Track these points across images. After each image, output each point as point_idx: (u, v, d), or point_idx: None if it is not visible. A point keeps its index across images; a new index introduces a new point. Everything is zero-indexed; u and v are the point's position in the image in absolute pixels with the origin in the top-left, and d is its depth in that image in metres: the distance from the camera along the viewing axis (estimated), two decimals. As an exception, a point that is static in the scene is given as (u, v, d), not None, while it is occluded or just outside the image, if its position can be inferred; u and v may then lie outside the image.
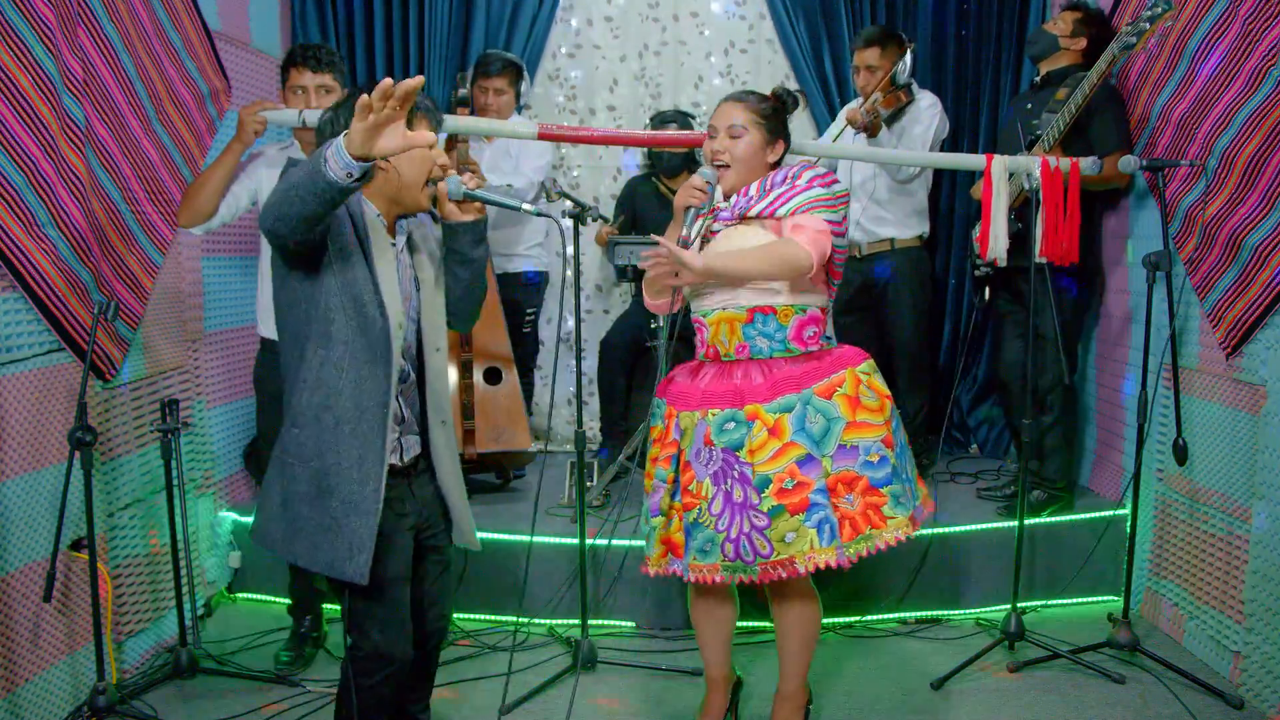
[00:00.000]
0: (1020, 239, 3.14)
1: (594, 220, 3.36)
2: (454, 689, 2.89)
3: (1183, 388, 3.08)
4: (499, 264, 3.87)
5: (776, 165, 2.40)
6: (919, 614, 3.34)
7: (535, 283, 4.09)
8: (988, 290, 3.58)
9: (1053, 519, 3.45)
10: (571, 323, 3.50)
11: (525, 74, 3.97)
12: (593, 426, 4.36)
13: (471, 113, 3.59)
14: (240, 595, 3.52)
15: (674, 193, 2.58)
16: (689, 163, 4.01)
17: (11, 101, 2.36)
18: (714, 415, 2.30)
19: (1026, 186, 2.96)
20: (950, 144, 3.87)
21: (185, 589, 2.90)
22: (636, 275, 4.04)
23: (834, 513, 2.22)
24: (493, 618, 3.32)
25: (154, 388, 3.05)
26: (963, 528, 3.39)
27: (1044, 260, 2.98)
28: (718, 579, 2.27)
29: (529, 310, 4.02)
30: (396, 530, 2.07)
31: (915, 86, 3.73)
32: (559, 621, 3.26)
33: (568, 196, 3.19)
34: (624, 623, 3.30)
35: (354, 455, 1.97)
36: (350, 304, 1.96)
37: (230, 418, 3.56)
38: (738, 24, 4.50)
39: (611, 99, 4.53)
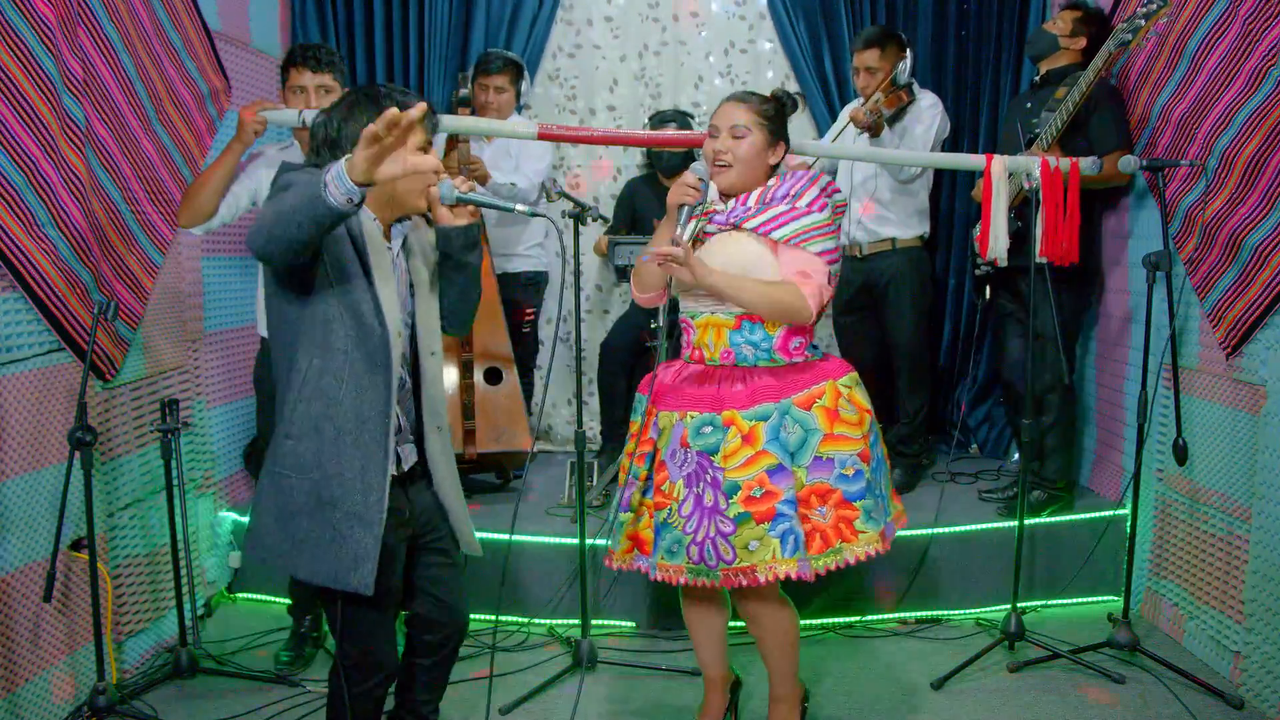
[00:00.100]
0: (1020, 239, 3.14)
1: (594, 220, 3.36)
2: (454, 689, 2.89)
3: (1183, 388, 3.08)
4: (499, 264, 3.87)
5: (775, 167, 2.39)
6: (919, 614, 3.34)
7: (535, 282, 4.09)
8: (988, 290, 3.58)
9: (1053, 519, 3.45)
10: (569, 322, 3.52)
11: (525, 73, 3.97)
12: (593, 427, 4.36)
13: (472, 112, 3.59)
14: (240, 595, 3.52)
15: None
16: (688, 162, 4.00)
17: (11, 101, 2.36)
18: (692, 418, 2.30)
19: (1026, 186, 2.96)
20: (950, 144, 3.87)
21: (185, 589, 2.90)
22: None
23: (800, 524, 2.22)
24: (493, 618, 3.32)
25: (154, 388, 3.05)
26: (963, 528, 3.39)
27: (1044, 260, 2.98)
28: (682, 580, 2.28)
29: (529, 310, 4.02)
30: (391, 541, 2.04)
31: (916, 86, 3.73)
32: (559, 621, 3.26)
33: (568, 196, 3.19)
34: (624, 623, 3.30)
35: (356, 465, 1.95)
36: (348, 313, 1.94)
37: (230, 418, 3.56)
38: (738, 24, 4.50)
39: (611, 99, 4.53)
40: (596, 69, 4.51)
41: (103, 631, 2.57)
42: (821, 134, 4.25)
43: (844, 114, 3.81)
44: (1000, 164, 2.96)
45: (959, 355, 4.41)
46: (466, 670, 2.99)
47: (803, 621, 3.25)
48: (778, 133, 2.37)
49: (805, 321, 2.28)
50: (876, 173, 3.74)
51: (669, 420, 2.34)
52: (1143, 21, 2.96)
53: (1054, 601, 3.38)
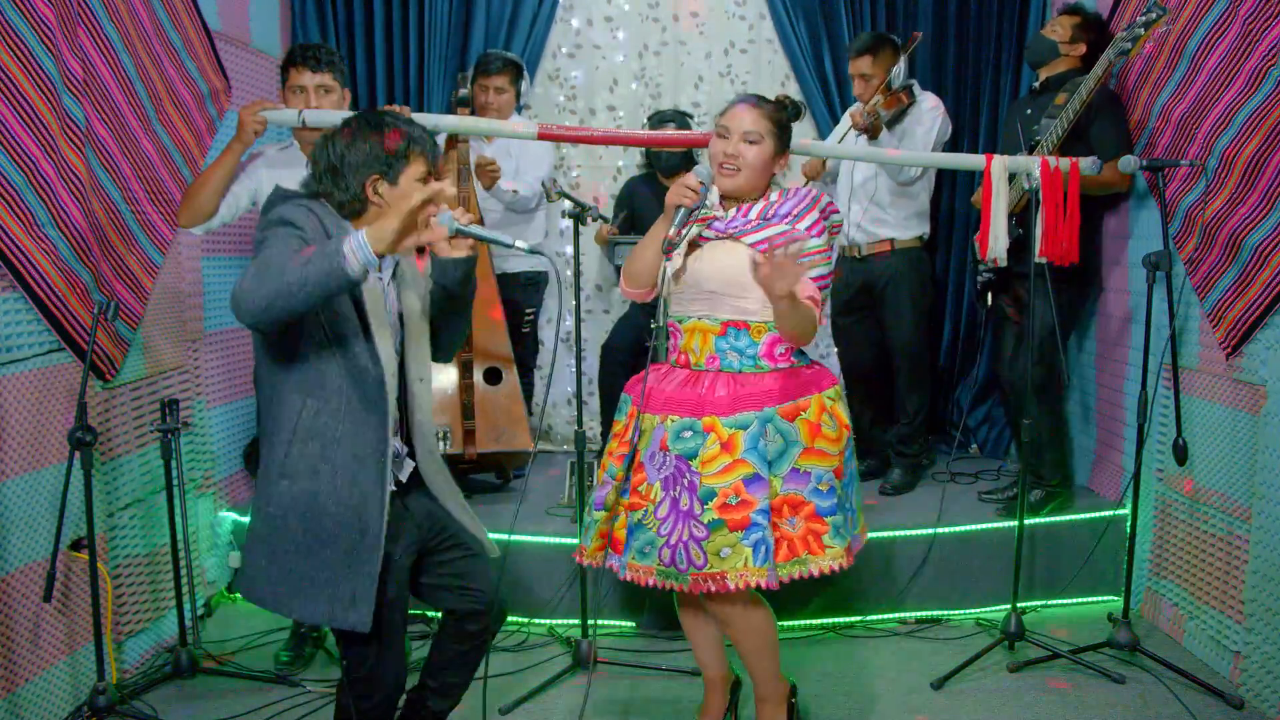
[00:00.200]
0: (1021, 244, 3.15)
1: (594, 220, 3.36)
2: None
3: (1183, 388, 3.08)
4: (498, 264, 3.87)
5: (773, 176, 2.40)
6: (919, 614, 3.34)
7: (535, 282, 4.08)
8: (990, 297, 3.58)
9: (1053, 519, 3.45)
10: (569, 322, 3.51)
11: (525, 73, 3.97)
12: (593, 427, 4.36)
13: (472, 113, 3.59)
14: (240, 595, 3.52)
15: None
16: (687, 162, 4.01)
17: (11, 101, 2.36)
18: (673, 421, 2.30)
19: (1026, 187, 2.96)
20: (950, 145, 3.87)
21: (185, 589, 2.90)
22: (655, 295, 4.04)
23: (772, 534, 2.23)
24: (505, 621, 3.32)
25: (154, 388, 3.05)
26: (963, 528, 3.39)
27: (1044, 260, 2.98)
28: (651, 581, 2.28)
29: (528, 310, 4.02)
30: (396, 555, 2.04)
31: (917, 88, 3.73)
32: (559, 621, 3.26)
33: (568, 196, 3.18)
34: (624, 623, 3.30)
35: (353, 506, 1.94)
36: (342, 356, 1.94)
37: (230, 418, 3.56)
38: (738, 24, 4.50)
39: (611, 99, 4.53)
40: (596, 69, 4.51)
41: (103, 631, 2.57)
42: (822, 135, 4.26)
43: (845, 118, 3.81)
44: (1000, 164, 2.97)
45: (959, 355, 4.41)
46: (466, 670, 3.00)
47: (802, 621, 3.27)
48: (785, 143, 2.37)
49: (809, 342, 2.31)
50: (876, 174, 3.74)
51: (650, 423, 2.34)
52: (1142, 31, 2.96)
53: (1054, 601, 3.38)
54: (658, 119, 4.06)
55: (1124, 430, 3.54)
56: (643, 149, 4.25)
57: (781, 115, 2.36)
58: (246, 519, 3.39)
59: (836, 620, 3.29)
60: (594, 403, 4.27)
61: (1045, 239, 2.94)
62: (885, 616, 3.33)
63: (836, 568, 2.26)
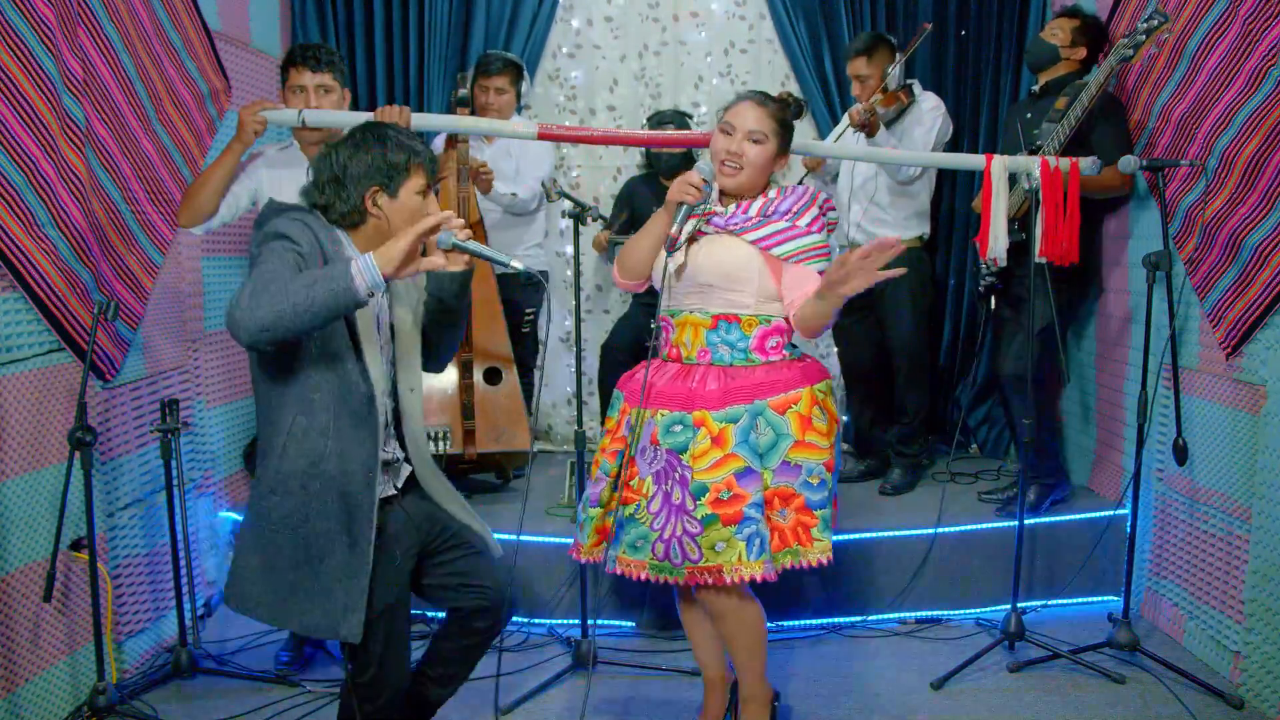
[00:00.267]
0: (1023, 247, 3.14)
1: (594, 220, 3.36)
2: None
3: (1183, 388, 3.08)
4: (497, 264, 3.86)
5: (771, 175, 2.41)
6: (919, 614, 3.34)
7: (535, 282, 4.08)
8: (993, 301, 3.58)
9: (1053, 519, 3.45)
10: (569, 322, 3.51)
11: (526, 74, 3.97)
12: (593, 427, 4.35)
13: (472, 113, 3.59)
14: (230, 605, 3.51)
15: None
16: (687, 162, 4.01)
17: (11, 101, 2.36)
18: (663, 416, 2.31)
19: (1026, 187, 2.96)
20: (950, 145, 3.87)
21: (185, 589, 2.90)
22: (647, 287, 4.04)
23: (766, 527, 2.23)
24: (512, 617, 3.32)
25: (154, 388, 3.05)
26: (963, 528, 3.39)
27: (1044, 260, 2.98)
28: (643, 576, 2.29)
29: (528, 310, 4.01)
30: (388, 561, 2.05)
31: (918, 88, 3.73)
32: (559, 621, 3.26)
33: (568, 196, 3.18)
34: (624, 623, 3.30)
35: (343, 520, 1.96)
36: (332, 374, 1.96)
37: (230, 418, 3.56)
38: (738, 24, 4.50)
39: (611, 99, 4.53)
40: (596, 69, 4.51)
41: (103, 631, 2.57)
42: (822, 135, 4.26)
43: (845, 118, 3.81)
44: (1000, 164, 2.97)
45: (959, 355, 4.41)
46: (466, 670, 3.00)
47: (802, 622, 3.27)
48: (788, 142, 2.37)
49: (817, 336, 2.32)
50: (876, 173, 3.74)
51: (641, 417, 2.34)
52: (1144, 37, 2.97)
53: (1054, 601, 3.38)
54: (658, 119, 4.06)
55: (1124, 430, 3.54)
56: (643, 149, 4.25)
57: (785, 114, 2.37)
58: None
59: (836, 620, 3.29)
60: (594, 403, 4.27)
61: (1045, 239, 2.94)
62: (885, 616, 3.33)
63: (824, 561, 2.26)
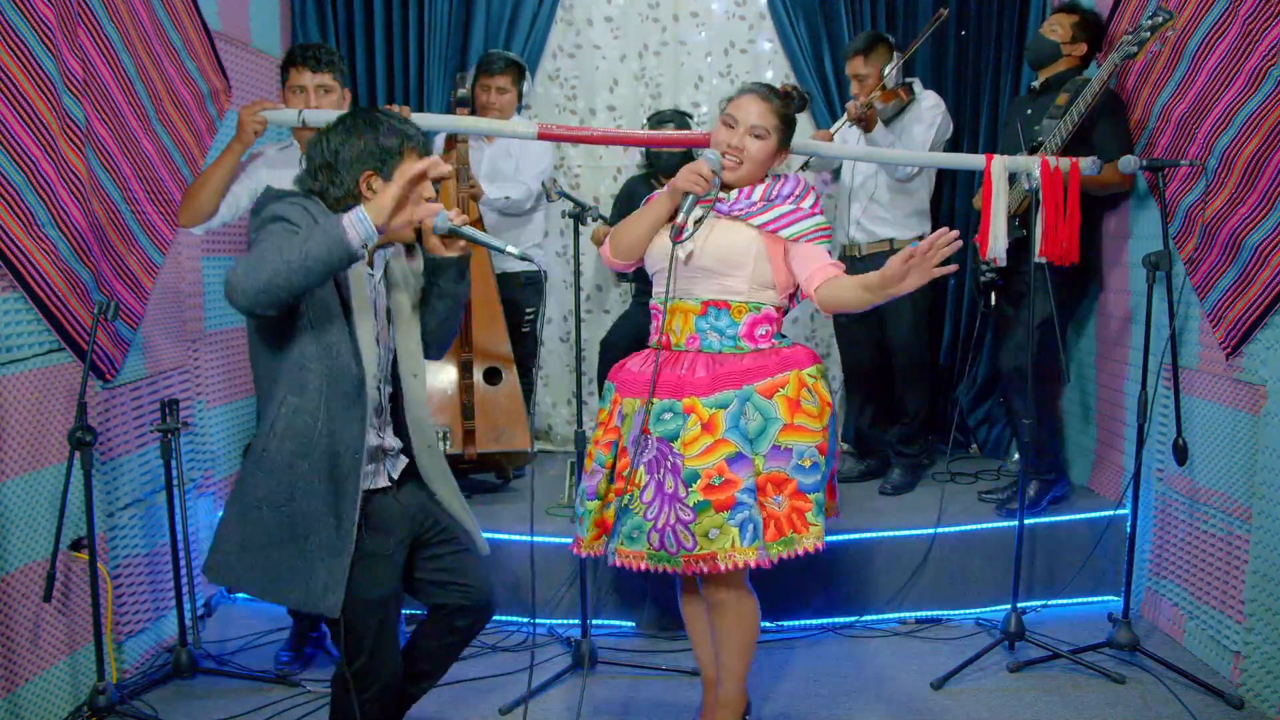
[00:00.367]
0: (1023, 243, 3.15)
1: (594, 220, 3.37)
2: (454, 689, 2.89)
3: (1183, 388, 3.08)
4: (498, 264, 3.87)
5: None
6: (919, 614, 3.34)
7: (534, 282, 4.08)
8: (993, 296, 3.58)
9: (1053, 519, 3.45)
10: (569, 322, 3.51)
11: (528, 74, 3.97)
12: (592, 426, 4.35)
13: (472, 112, 3.59)
14: (240, 595, 3.52)
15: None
16: (686, 162, 4.00)
17: (11, 101, 2.36)
18: (654, 403, 2.30)
19: (1027, 187, 2.96)
20: (950, 144, 3.87)
21: (185, 589, 2.90)
22: (637, 274, 4.03)
23: (759, 513, 2.22)
24: (493, 617, 3.31)
25: (154, 388, 3.05)
26: (963, 528, 3.39)
27: (1044, 260, 2.98)
28: (642, 566, 2.28)
29: (528, 310, 4.02)
30: (382, 550, 2.06)
31: (919, 86, 3.73)
32: (559, 621, 3.26)
33: (568, 196, 3.19)
34: (624, 623, 3.30)
35: (328, 500, 1.97)
36: (325, 354, 1.96)
37: (230, 418, 3.56)
38: (738, 24, 4.50)
39: (611, 99, 4.53)
40: (596, 69, 4.50)
41: (103, 631, 2.57)
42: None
43: (844, 114, 3.81)
44: (1000, 164, 2.96)
45: (959, 355, 4.40)
46: (466, 670, 3.00)
47: (802, 622, 3.27)
48: (789, 138, 2.38)
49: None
50: (875, 172, 3.74)
51: (632, 407, 2.35)
52: (1148, 34, 2.96)
53: (1054, 601, 3.38)
54: (657, 119, 4.06)
55: (1124, 430, 3.54)
56: (643, 149, 4.25)
57: (789, 110, 2.37)
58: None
59: (836, 620, 3.29)
60: (594, 402, 4.26)
61: (1045, 239, 2.94)
62: (885, 616, 3.33)
63: (821, 545, 2.25)
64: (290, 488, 1.96)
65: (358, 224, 1.74)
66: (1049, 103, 3.37)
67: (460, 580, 2.20)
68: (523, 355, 3.92)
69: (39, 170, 2.45)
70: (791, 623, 3.27)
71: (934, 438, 4.16)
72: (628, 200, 4.18)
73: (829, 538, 2.31)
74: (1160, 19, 2.94)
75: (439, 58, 4.24)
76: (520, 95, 3.93)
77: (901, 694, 2.87)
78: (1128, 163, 2.89)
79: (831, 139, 3.69)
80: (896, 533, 3.36)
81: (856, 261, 3.85)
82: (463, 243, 2.09)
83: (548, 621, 3.27)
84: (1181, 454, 2.99)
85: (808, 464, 2.25)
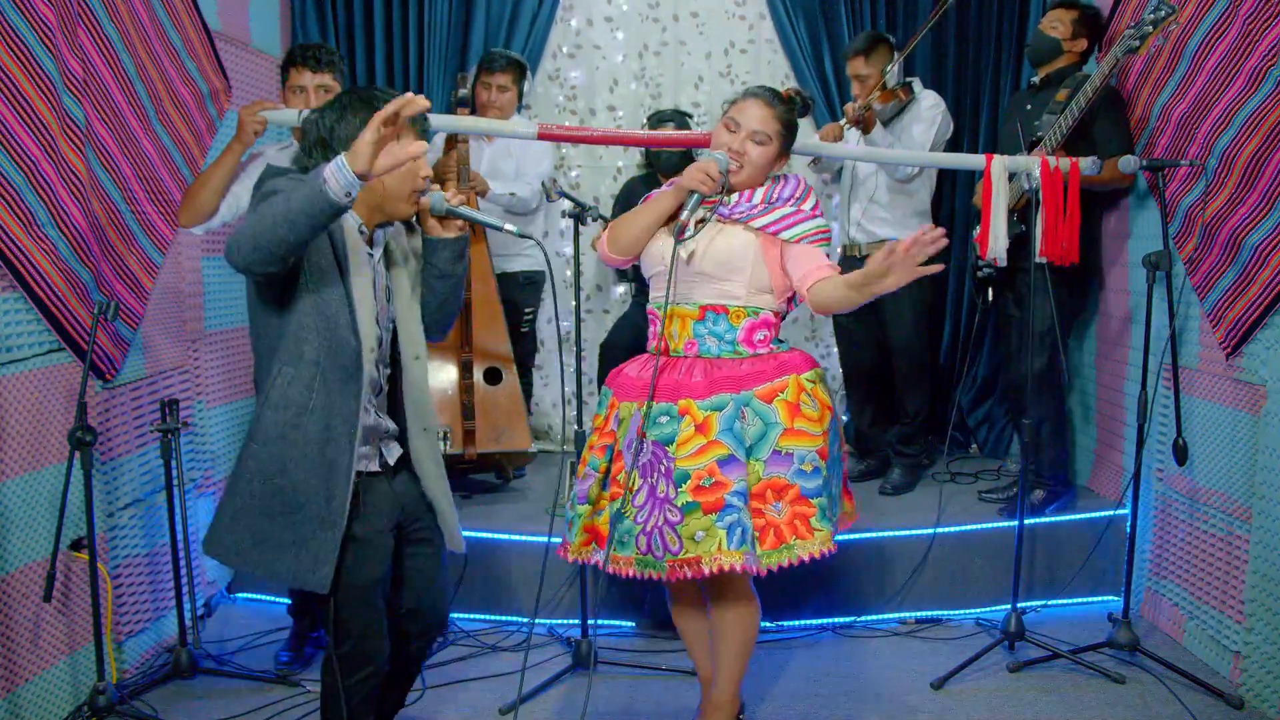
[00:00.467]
0: (1022, 240, 3.15)
1: (594, 220, 3.37)
2: (454, 689, 2.90)
3: (1183, 388, 3.08)
4: (498, 264, 3.88)
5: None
6: (919, 614, 3.34)
7: (534, 282, 4.08)
8: (990, 292, 3.58)
9: (1053, 519, 3.45)
10: (569, 322, 3.51)
11: (529, 73, 3.97)
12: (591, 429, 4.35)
13: (472, 112, 3.59)
14: (240, 595, 3.52)
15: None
16: (686, 161, 4.00)
17: (11, 101, 2.36)
18: (651, 407, 2.29)
19: (1026, 187, 2.96)
20: (950, 144, 3.86)
21: (185, 589, 2.90)
22: (636, 275, 4.04)
23: (749, 517, 2.20)
24: (493, 618, 3.32)
25: (154, 388, 3.05)
26: (963, 528, 3.39)
27: (1044, 260, 2.98)
28: (630, 572, 2.26)
29: (527, 310, 4.02)
30: (374, 534, 2.06)
31: (918, 86, 3.73)
32: (559, 621, 3.26)
33: (568, 196, 3.19)
34: (624, 623, 3.30)
35: (321, 474, 1.97)
36: (323, 324, 1.96)
37: (230, 418, 3.56)
38: (738, 24, 4.50)
39: (611, 99, 4.53)
40: (596, 69, 4.51)
41: (103, 631, 2.57)
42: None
43: (844, 116, 3.81)
44: (1000, 164, 2.97)
45: (959, 355, 4.40)
46: (466, 670, 3.00)
47: (802, 622, 3.27)
48: (790, 144, 2.38)
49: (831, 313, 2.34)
50: (875, 172, 3.74)
51: (628, 411, 2.34)
52: (1150, 29, 2.96)
53: (1054, 601, 3.38)
54: (657, 119, 4.06)
55: (1124, 430, 3.54)
56: (643, 149, 4.25)
57: (792, 116, 2.37)
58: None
59: (836, 620, 3.29)
60: (594, 403, 4.26)
61: (1045, 239, 2.94)
62: (885, 616, 3.33)
63: (826, 552, 2.23)
64: (282, 459, 1.97)
65: (337, 172, 1.72)
66: (1049, 99, 3.37)
67: (421, 584, 2.21)
68: (522, 355, 3.93)
69: (39, 170, 2.45)
70: (791, 623, 3.27)
71: (934, 438, 4.16)
72: (628, 200, 4.18)
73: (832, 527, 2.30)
74: (1163, 13, 2.93)
75: (439, 58, 4.24)
76: (521, 94, 3.93)
77: (901, 694, 2.87)
78: (1128, 162, 2.89)
79: (841, 133, 3.68)
80: (896, 533, 3.36)
81: (857, 262, 3.84)
82: (460, 223, 2.11)
83: (548, 621, 3.27)
84: (1181, 454, 2.99)
85: (809, 469, 2.24)
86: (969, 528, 3.40)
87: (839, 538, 2.31)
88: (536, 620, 3.27)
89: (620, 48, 4.50)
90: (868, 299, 2.17)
